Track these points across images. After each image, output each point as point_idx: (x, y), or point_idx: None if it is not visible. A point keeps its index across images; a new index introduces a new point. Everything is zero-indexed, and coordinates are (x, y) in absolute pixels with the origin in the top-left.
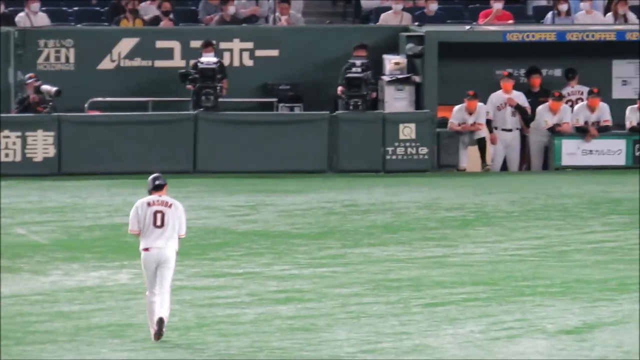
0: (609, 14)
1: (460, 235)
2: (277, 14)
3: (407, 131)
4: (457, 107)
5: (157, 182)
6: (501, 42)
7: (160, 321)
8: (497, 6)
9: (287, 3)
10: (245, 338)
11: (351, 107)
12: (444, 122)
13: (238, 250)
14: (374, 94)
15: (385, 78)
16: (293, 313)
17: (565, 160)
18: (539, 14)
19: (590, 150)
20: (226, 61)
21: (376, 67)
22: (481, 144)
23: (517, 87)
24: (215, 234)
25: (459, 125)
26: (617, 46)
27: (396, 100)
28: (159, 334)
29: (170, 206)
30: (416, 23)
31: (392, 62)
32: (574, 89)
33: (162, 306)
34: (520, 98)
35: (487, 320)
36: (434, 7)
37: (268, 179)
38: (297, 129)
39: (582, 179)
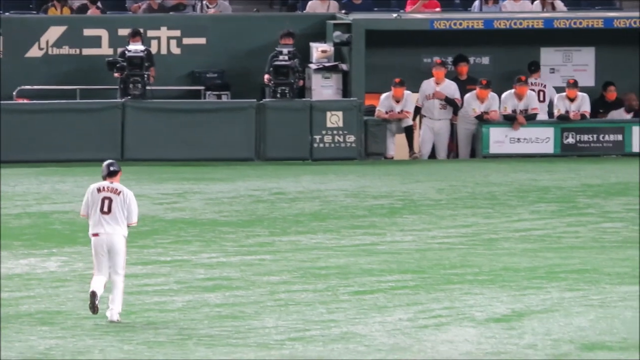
0: (537, 2)
1: (388, 224)
2: (204, 1)
3: (335, 119)
4: (384, 95)
5: (110, 169)
6: (428, 30)
7: (93, 295)
8: None
9: None
10: (173, 325)
11: (278, 95)
12: (371, 110)
13: (166, 238)
14: (301, 82)
15: (313, 66)
16: (221, 301)
17: (494, 149)
18: (466, 2)
19: (518, 139)
20: (154, 49)
21: (303, 55)
22: (409, 132)
23: (445, 75)
24: (144, 222)
25: (387, 113)
26: (545, 34)
27: (323, 89)
28: (92, 306)
29: (119, 193)
30: (343, 11)
31: (319, 50)
32: (536, 81)
33: (113, 301)
34: (450, 88)
35: (416, 308)
36: None
37: (196, 167)
38: (225, 117)
39: (510, 167)
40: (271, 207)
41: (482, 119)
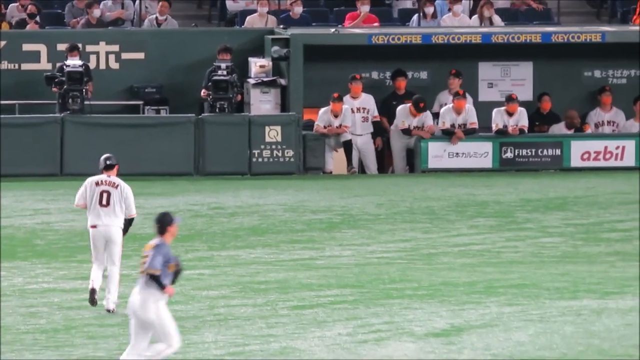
0: (475, 17)
1: (327, 238)
2: (154, 16)
3: (273, 134)
4: (322, 110)
5: (107, 162)
6: (366, 45)
7: (93, 291)
8: (365, 9)
9: (168, 2)
10: (113, 340)
11: (217, 110)
12: (310, 125)
13: None
14: (239, 97)
15: (251, 81)
16: None
17: (432, 163)
18: (404, 17)
19: (457, 153)
20: (92, 64)
21: (242, 70)
22: (347, 146)
23: (384, 89)
24: (83, 237)
25: (325, 127)
26: (483, 49)
27: (262, 103)
28: (92, 301)
29: (116, 187)
30: (281, 26)
31: (257, 65)
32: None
33: (109, 291)
34: (369, 102)
35: (355, 322)
36: (299, 10)
37: (135, 182)
38: (163, 132)
39: (448, 182)
40: (210, 221)
41: (410, 133)
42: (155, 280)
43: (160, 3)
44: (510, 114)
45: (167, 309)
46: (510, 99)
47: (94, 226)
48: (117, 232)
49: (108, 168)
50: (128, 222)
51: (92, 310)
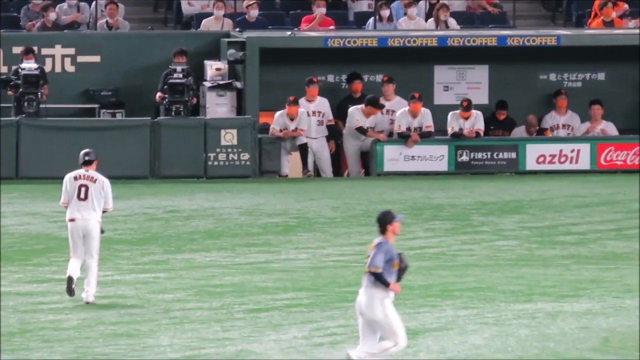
0: (431, 20)
1: (282, 241)
2: (107, 19)
3: (229, 137)
4: (278, 113)
5: (86, 158)
6: (322, 48)
7: (70, 279)
8: (321, 11)
9: (115, 5)
10: (68, 344)
11: (173, 113)
12: (265, 128)
13: (61, 256)
14: (195, 100)
15: (207, 84)
16: (116, 319)
17: (388, 166)
18: (360, 20)
19: (413, 156)
20: (48, 67)
21: (198, 73)
22: (303, 150)
23: (339, 93)
24: (38, 240)
25: (281, 131)
26: (438, 52)
27: (218, 106)
28: (69, 290)
29: (94, 181)
30: (237, 29)
31: (213, 68)
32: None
33: (89, 284)
34: (325, 105)
35: (311, 326)
36: (255, 13)
37: None
38: (119, 135)
39: (404, 185)
40: (166, 225)
41: (365, 133)
42: (379, 278)
43: (109, 6)
44: (465, 118)
45: (393, 307)
46: (462, 107)
47: (72, 219)
48: (95, 226)
49: (87, 163)
50: (104, 212)
51: (47, 313)
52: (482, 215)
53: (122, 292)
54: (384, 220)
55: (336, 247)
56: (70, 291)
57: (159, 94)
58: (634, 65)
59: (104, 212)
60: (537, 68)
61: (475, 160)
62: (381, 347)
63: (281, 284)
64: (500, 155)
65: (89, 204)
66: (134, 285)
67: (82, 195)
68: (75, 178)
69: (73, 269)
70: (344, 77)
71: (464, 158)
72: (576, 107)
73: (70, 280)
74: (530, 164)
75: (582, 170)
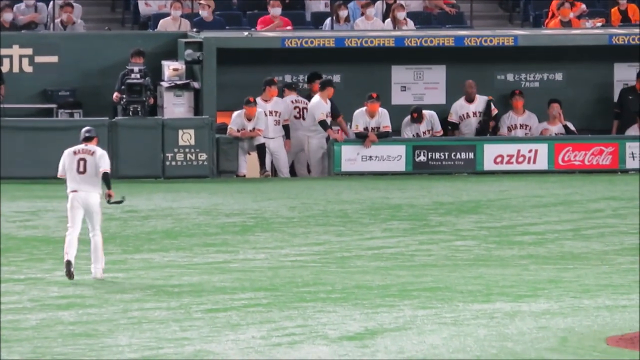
0: (388, 20)
1: (240, 241)
2: (61, 18)
3: (187, 137)
4: (236, 113)
5: (86, 135)
6: (280, 48)
7: (68, 263)
8: (276, 12)
9: (70, 6)
10: (27, 344)
11: (130, 113)
12: (223, 128)
13: (19, 256)
14: (151, 100)
15: (164, 84)
16: (75, 319)
17: (345, 166)
18: (317, 20)
19: (370, 156)
20: (5, 67)
21: (155, 73)
22: (261, 150)
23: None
24: None
25: (238, 131)
26: (396, 52)
27: (175, 106)
28: (68, 274)
29: (92, 154)
30: (195, 29)
31: (170, 68)
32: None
33: (96, 260)
34: (281, 105)
35: (269, 326)
36: (204, 13)
37: (48, 185)
38: (77, 135)
39: (362, 185)
40: (123, 225)
41: (324, 124)
42: None
43: (64, 7)
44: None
45: None
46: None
47: (74, 191)
48: (96, 199)
49: (87, 139)
50: (104, 178)
51: (6, 313)
52: (439, 215)
53: (81, 292)
54: None
55: (294, 247)
56: (70, 274)
57: (116, 94)
58: (592, 65)
59: (104, 175)
60: (494, 68)
61: (432, 160)
62: None
63: (239, 284)
64: (458, 156)
65: (88, 176)
66: (92, 285)
67: (81, 169)
68: (75, 152)
69: (70, 248)
70: (301, 77)
71: (422, 158)
72: (534, 107)
73: (68, 264)
74: (488, 164)
75: (539, 171)
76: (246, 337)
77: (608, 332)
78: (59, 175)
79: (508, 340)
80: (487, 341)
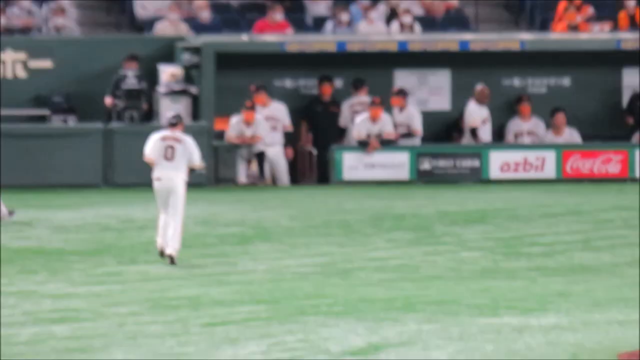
0: (391, 23)
1: (239, 252)
2: (50, 25)
3: None
4: (234, 119)
5: (172, 121)
6: (280, 53)
7: (162, 251)
8: (277, 17)
9: (62, 10)
10: (19, 359)
11: (126, 119)
12: (221, 135)
13: (12, 268)
14: (146, 106)
15: (161, 89)
16: (69, 333)
17: (348, 174)
18: (318, 23)
19: (373, 164)
20: None
21: (151, 77)
22: (260, 157)
23: (297, 98)
24: None
25: (237, 137)
26: (399, 56)
27: (172, 112)
28: (162, 255)
29: (180, 142)
30: (193, 33)
31: (167, 73)
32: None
33: (173, 238)
34: (279, 111)
35: (269, 340)
36: (209, 16)
37: (42, 194)
38: (71, 142)
39: (364, 194)
40: (119, 235)
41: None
42: None
43: (57, 10)
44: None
45: None
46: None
47: (158, 178)
48: (180, 184)
49: (173, 125)
50: (191, 171)
51: None
52: (445, 225)
53: (75, 305)
54: None
55: (295, 258)
56: (163, 255)
57: (109, 99)
58: (600, 70)
59: (192, 170)
60: (500, 73)
61: (437, 169)
62: None
63: (238, 297)
64: (463, 163)
65: (174, 163)
66: (86, 298)
67: (169, 156)
68: (163, 139)
69: (161, 233)
70: (301, 82)
71: (426, 166)
72: (541, 113)
73: (162, 252)
74: (494, 173)
75: (547, 179)
76: (245, 352)
77: (620, 348)
78: (145, 159)
79: (516, 356)
80: (495, 357)
